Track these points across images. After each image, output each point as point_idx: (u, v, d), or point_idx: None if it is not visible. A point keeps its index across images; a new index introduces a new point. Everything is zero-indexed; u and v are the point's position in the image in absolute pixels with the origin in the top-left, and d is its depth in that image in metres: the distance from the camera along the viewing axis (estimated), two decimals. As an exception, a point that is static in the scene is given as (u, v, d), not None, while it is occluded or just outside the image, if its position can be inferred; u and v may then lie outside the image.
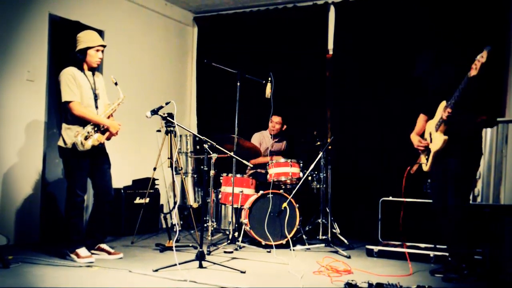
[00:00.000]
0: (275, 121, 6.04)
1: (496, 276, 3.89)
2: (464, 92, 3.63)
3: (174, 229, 4.98)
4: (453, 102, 3.71)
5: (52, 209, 5.35)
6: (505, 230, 3.90)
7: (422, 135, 4.14)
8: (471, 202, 4.91)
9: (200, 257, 3.96)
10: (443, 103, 3.84)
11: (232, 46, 6.92)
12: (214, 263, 4.02)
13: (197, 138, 6.36)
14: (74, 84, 4.16)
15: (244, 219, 5.08)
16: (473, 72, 3.52)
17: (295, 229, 5.08)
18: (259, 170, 5.95)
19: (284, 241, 5.01)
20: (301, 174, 5.33)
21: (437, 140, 3.87)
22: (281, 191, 5.23)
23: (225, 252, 4.71)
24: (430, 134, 4.00)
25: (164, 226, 5.39)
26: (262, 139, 6.20)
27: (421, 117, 4.23)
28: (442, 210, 3.98)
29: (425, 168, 4.06)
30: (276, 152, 6.13)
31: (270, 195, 5.10)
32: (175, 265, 3.77)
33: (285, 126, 6.13)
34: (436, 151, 3.89)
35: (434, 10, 5.70)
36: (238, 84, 5.18)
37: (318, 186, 5.40)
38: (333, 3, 6.35)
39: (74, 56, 4.25)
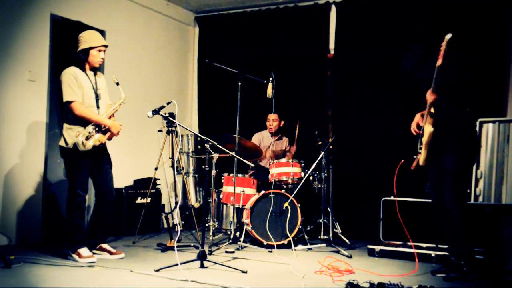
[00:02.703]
0: (272, 119, 6.05)
1: (497, 275, 3.89)
2: (437, 81, 3.68)
3: (176, 229, 4.99)
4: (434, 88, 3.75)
5: (54, 209, 5.36)
6: (503, 230, 3.90)
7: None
8: (472, 201, 4.92)
9: (202, 257, 3.96)
10: (429, 91, 3.85)
11: (233, 45, 6.93)
12: (216, 263, 4.02)
13: (199, 138, 6.37)
14: (76, 84, 4.16)
15: (246, 219, 5.08)
16: (439, 62, 3.55)
17: (296, 229, 5.07)
18: (262, 165, 5.94)
19: (285, 241, 5.00)
20: (302, 174, 5.33)
21: (425, 132, 3.88)
22: (283, 191, 5.23)
23: (226, 252, 4.71)
24: (423, 128, 3.99)
25: (165, 226, 5.39)
26: (261, 139, 6.20)
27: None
28: (441, 209, 3.97)
29: (420, 162, 4.01)
30: (279, 153, 6.10)
31: (272, 195, 5.10)
32: (177, 265, 3.77)
33: (282, 122, 6.13)
34: (427, 143, 3.88)
35: (435, 10, 5.69)
36: (239, 84, 5.18)
37: (319, 185, 5.40)
38: (334, 2, 6.35)
39: (76, 56, 4.25)
